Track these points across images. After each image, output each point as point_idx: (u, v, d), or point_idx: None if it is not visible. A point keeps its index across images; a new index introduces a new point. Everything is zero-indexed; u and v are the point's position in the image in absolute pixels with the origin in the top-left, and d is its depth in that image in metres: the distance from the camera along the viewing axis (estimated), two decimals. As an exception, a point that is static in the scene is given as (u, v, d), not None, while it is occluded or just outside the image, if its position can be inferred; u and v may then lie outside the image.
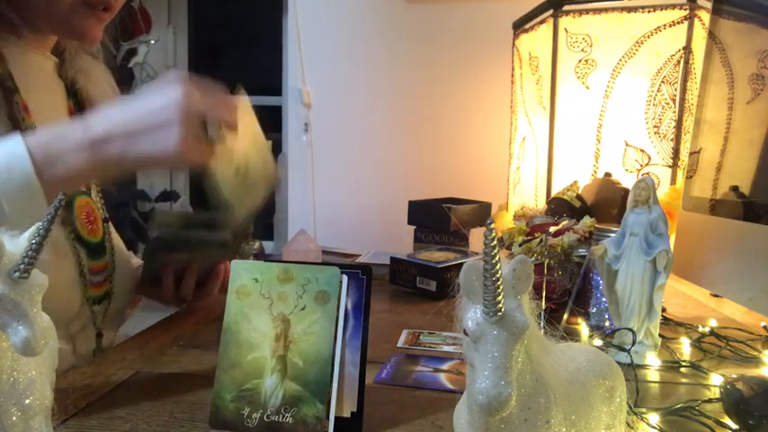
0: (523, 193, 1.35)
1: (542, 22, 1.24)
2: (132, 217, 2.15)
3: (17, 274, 0.36)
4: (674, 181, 1.15)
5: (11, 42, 0.76)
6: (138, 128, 0.62)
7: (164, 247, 0.87)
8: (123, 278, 0.91)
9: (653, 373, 0.74)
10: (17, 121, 0.73)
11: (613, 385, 0.41)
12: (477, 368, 0.33)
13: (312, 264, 0.58)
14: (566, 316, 0.84)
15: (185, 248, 0.86)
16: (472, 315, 0.34)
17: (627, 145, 1.16)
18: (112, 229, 0.93)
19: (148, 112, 0.62)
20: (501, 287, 0.33)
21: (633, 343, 0.73)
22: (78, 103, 0.87)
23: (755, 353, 0.80)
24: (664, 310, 0.95)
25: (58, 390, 0.42)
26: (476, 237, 1.37)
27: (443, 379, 0.69)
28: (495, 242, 0.32)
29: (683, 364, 0.76)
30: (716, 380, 0.70)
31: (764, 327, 0.90)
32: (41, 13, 0.75)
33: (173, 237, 0.86)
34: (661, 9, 1.12)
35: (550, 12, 1.19)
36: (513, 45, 1.41)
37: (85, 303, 0.83)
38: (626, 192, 0.88)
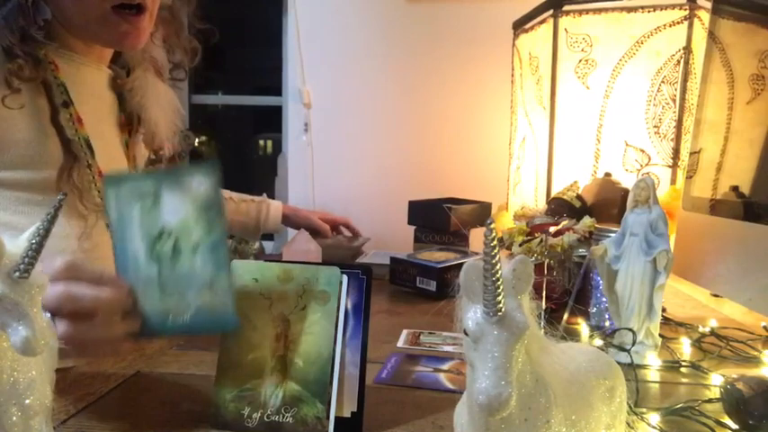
0: (523, 193, 1.35)
1: (542, 22, 1.23)
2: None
3: (17, 274, 0.36)
4: (674, 181, 1.15)
5: (67, 57, 0.81)
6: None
7: None
8: None
9: (653, 373, 0.74)
10: (63, 132, 0.77)
11: (613, 385, 0.41)
12: (478, 368, 0.33)
13: (312, 264, 0.58)
14: (566, 316, 0.84)
15: None
16: (472, 315, 0.34)
17: (627, 145, 1.16)
18: None
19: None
20: (501, 287, 0.33)
21: (633, 343, 0.73)
22: (129, 117, 0.91)
23: (755, 353, 0.80)
24: (664, 310, 0.95)
25: (57, 390, 0.42)
26: (476, 237, 1.37)
27: (443, 379, 0.69)
28: (495, 242, 0.32)
29: (684, 364, 0.76)
30: (716, 380, 0.70)
31: (764, 327, 0.90)
32: (77, 23, 0.79)
33: None
34: (661, 9, 1.12)
35: (550, 12, 1.19)
36: (513, 45, 1.41)
37: None
38: (626, 192, 0.88)
